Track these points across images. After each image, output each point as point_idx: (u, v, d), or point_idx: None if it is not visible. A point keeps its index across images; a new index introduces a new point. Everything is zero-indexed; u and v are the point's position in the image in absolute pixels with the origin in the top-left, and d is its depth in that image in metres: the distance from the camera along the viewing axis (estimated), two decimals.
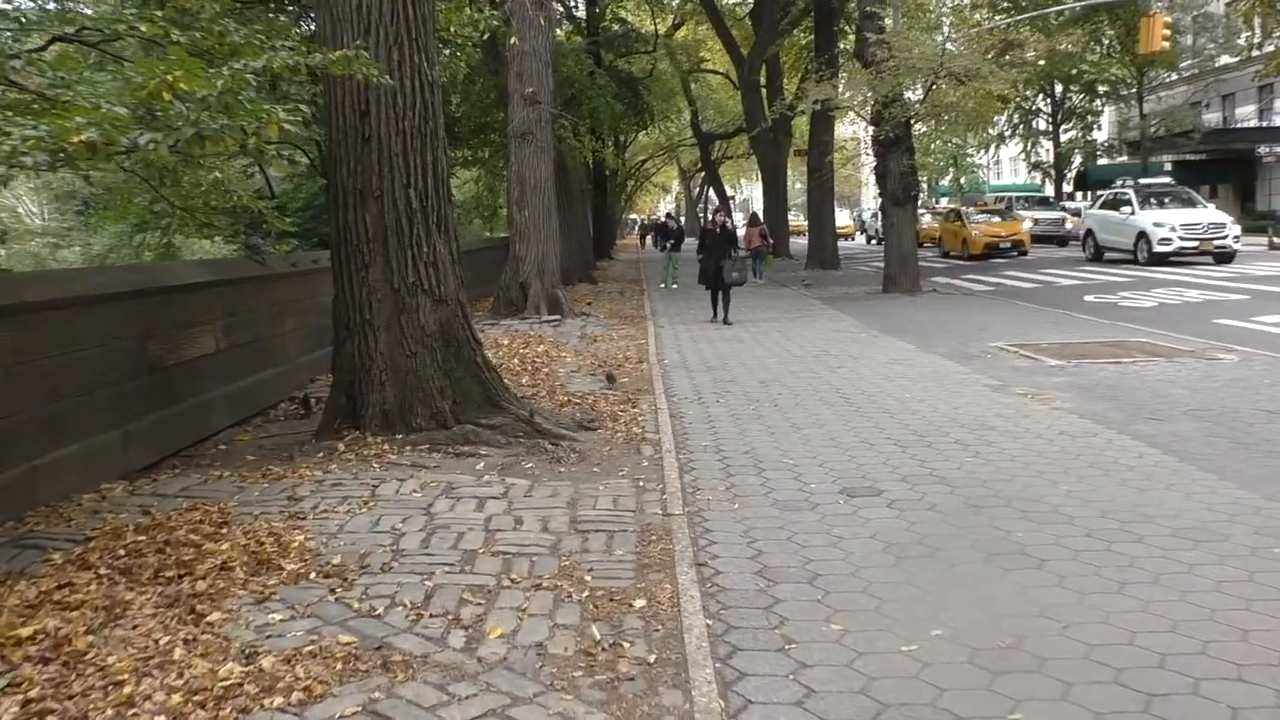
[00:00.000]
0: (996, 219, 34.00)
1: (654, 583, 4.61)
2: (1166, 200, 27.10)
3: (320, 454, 7.26)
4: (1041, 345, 12.32)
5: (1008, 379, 10.00)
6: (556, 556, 4.96)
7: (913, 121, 21.20)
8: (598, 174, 40.11)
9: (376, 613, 4.23)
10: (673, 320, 17.01)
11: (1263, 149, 43.59)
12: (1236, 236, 25.64)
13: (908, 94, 20.63)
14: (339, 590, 4.47)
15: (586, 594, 4.45)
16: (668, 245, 26.69)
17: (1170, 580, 4.52)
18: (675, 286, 24.75)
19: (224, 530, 5.21)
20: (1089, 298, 18.83)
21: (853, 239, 59.05)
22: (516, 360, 11.63)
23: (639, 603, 4.35)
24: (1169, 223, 25.38)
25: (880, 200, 21.68)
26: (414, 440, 7.46)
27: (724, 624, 4.14)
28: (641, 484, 6.32)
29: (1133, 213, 26.52)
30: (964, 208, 36.27)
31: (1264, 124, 45.43)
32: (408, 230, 7.56)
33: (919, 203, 21.40)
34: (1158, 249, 25.02)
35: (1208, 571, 4.60)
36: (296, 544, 5.02)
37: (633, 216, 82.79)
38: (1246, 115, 46.80)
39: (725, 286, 16.03)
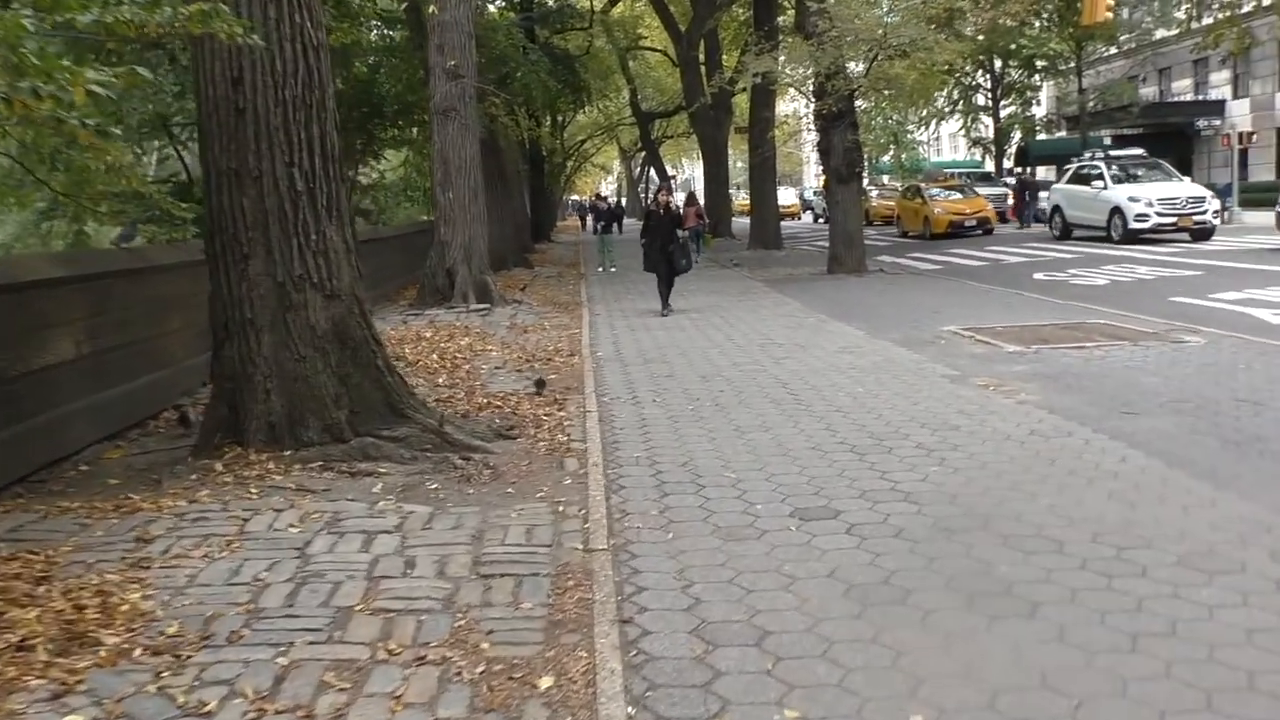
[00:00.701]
0: (957, 195, 32.30)
1: (566, 649, 3.73)
2: (1140, 173, 25.75)
3: (195, 475, 6.27)
4: (997, 329, 11.61)
5: (966, 368, 9.26)
6: (450, 614, 4.05)
7: (856, 95, 20.46)
8: (534, 154, 38.96)
9: (206, 708, 3.30)
10: (610, 307, 16.11)
11: (1200, 122, 43.70)
12: (1216, 211, 24.54)
13: (850, 66, 19.87)
14: (166, 674, 3.53)
15: (482, 669, 3.56)
16: (599, 226, 25.69)
17: (1190, 630, 3.74)
18: (614, 270, 23.85)
19: (41, 588, 4.24)
20: (1039, 275, 18.26)
21: (798, 218, 57.45)
22: (435, 356, 10.66)
23: (545, 682, 3.47)
24: (1145, 197, 23.74)
25: (823, 177, 20.92)
26: (304, 457, 6.50)
27: (650, 714, 3.27)
28: (561, 508, 5.43)
29: (1105, 187, 25.05)
30: (923, 184, 34.29)
31: (1200, 98, 45.55)
32: (292, 215, 6.58)
33: (864, 180, 20.69)
34: (1134, 225, 23.53)
35: (1233, 617, 3.83)
36: (127, 606, 4.06)
37: (574, 198, 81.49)
38: (1183, 89, 46.93)
39: (671, 273, 14.78)
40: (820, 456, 6.36)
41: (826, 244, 31.94)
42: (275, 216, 6.56)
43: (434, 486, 5.97)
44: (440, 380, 9.30)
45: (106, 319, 7.70)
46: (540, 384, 8.90)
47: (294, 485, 5.98)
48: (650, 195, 16.47)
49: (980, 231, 30.27)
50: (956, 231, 29.98)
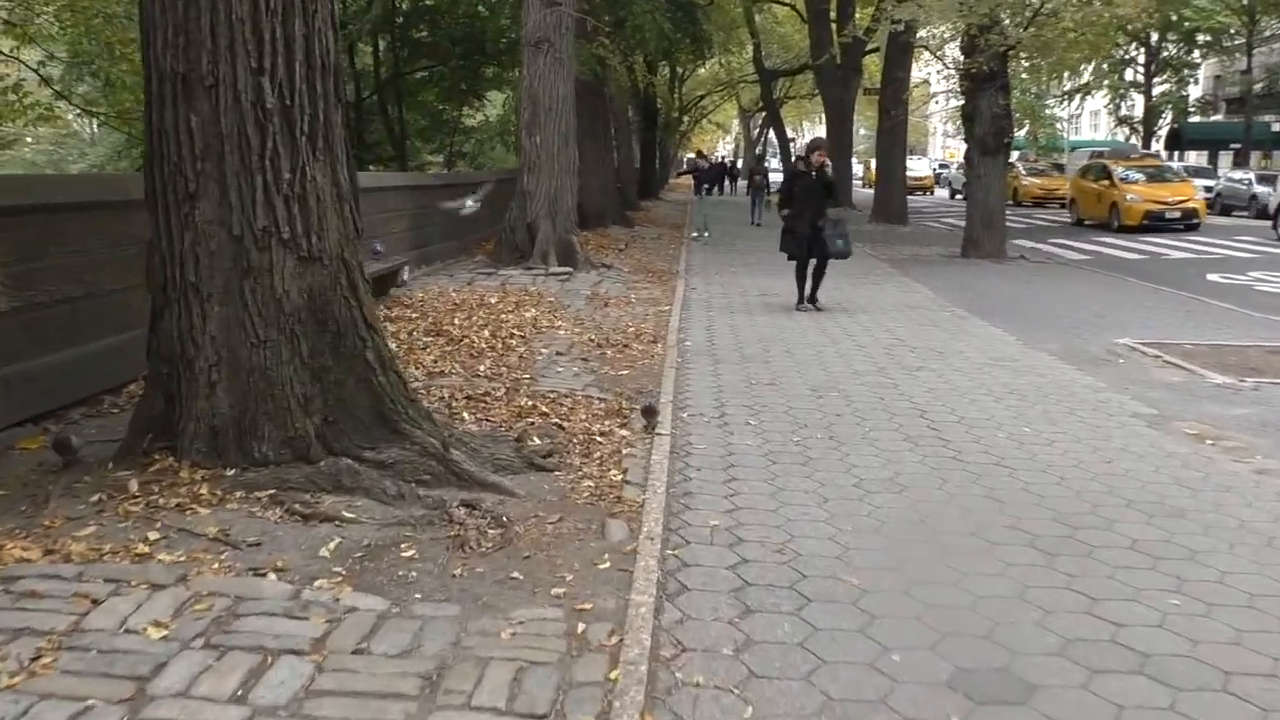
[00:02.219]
0: (1146, 178, 26.00)
1: None
2: None
3: (96, 498, 4.50)
4: (1187, 347, 9.22)
5: (1163, 406, 6.98)
6: None
7: (1011, 54, 17.83)
8: (647, 106, 36.87)
9: None
10: (709, 281, 14.03)
11: None
12: None
13: (1005, 19, 17.24)
14: None
15: None
16: (703, 189, 23.23)
17: None
18: (706, 236, 21.62)
19: None
20: (1213, 277, 15.55)
21: (931, 192, 50.48)
22: (488, 332, 8.77)
23: None
24: None
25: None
26: (252, 481, 4.67)
27: None
28: (581, 628, 3.45)
29: None
30: (1110, 162, 27.50)
31: None
32: (257, 143, 4.69)
33: (1010, 152, 18.11)
34: None
35: None
36: None
37: (689, 155, 78.82)
38: None
39: (823, 257, 11.38)
40: (986, 553, 4.26)
41: (955, 221, 29.49)
42: (234, 143, 4.68)
43: (409, 554, 4.05)
44: (481, 368, 7.40)
45: (45, 265, 5.96)
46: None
47: (214, 531, 4.14)
48: (803, 152, 10.33)
49: (1183, 226, 24.49)
50: (1154, 224, 24.20)
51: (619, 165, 32.12)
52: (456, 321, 9.04)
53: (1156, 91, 48.81)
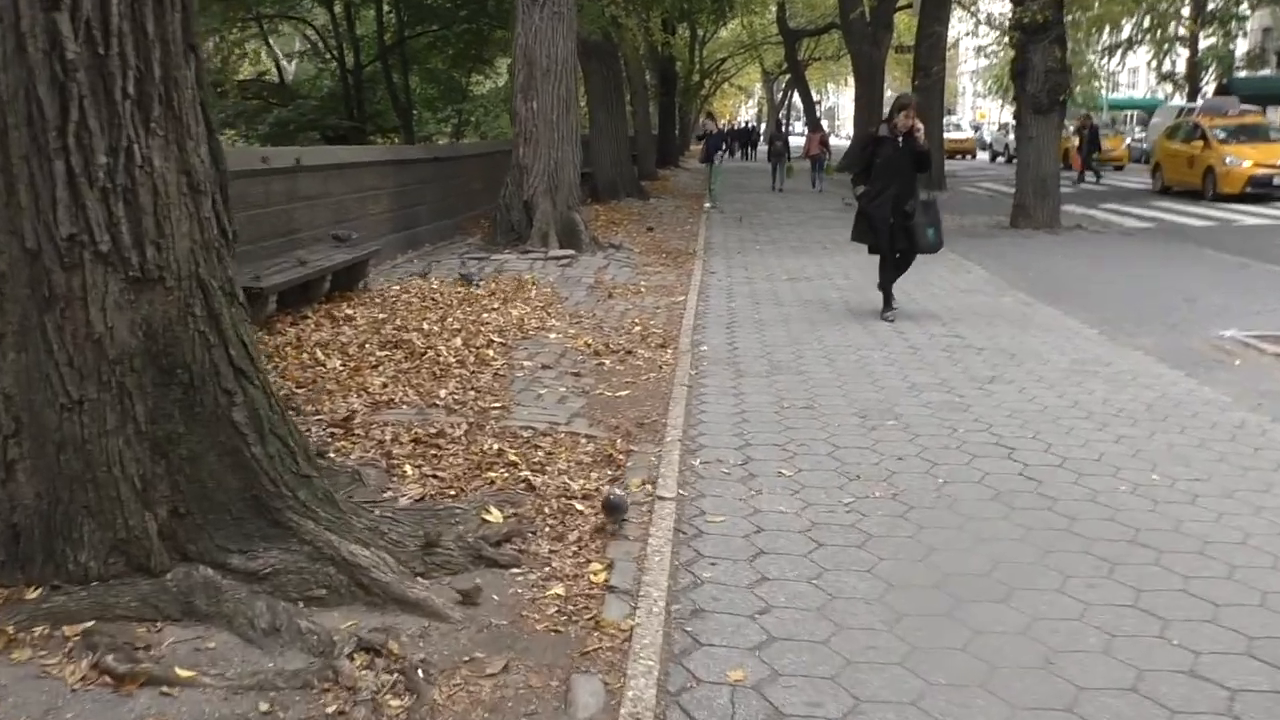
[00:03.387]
0: (1246, 138, 21.81)
1: None
2: None
3: None
4: None
5: None
6: None
7: (1067, 3, 16.05)
8: (664, 69, 35.07)
9: None
10: (731, 262, 12.44)
11: None
12: None
13: None
14: None
15: None
16: (713, 154, 21.53)
17: None
18: (710, 206, 20.03)
19: None
20: None
21: (973, 156, 45.92)
22: (460, 340, 7.23)
23: None
24: None
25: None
26: (60, 609, 3.21)
27: None
28: None
29: None
30: (1207, 121, 23.29)
31: None
32: (54, 111, 3.17)
33: (1065, 111, 16.34)
34: None
35: None
36: None
37: (723, 122, 76.29)
38: None
39: (910, 251, 8.76)
40: None
41: (994, 187, 27.68)
42: (20, 113, 3.17)
43: None
44: (443, 393, 5.88)
45: None
46: (615, 511, 4.05)
47: None
48: (890, 115, 8.04)
49: None
50: (1260, 191, 20.15)
51: (635, 132, 30.45)
52: (425, 325, 7.53)
53: (1202, 45, 46.43)
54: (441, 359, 6.56)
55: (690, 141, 53.53)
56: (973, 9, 34.38)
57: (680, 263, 12.15)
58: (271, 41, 25.45)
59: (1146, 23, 47.58)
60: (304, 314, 7.81)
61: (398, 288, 9.59)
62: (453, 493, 4.38)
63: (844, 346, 7.54)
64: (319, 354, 6.56)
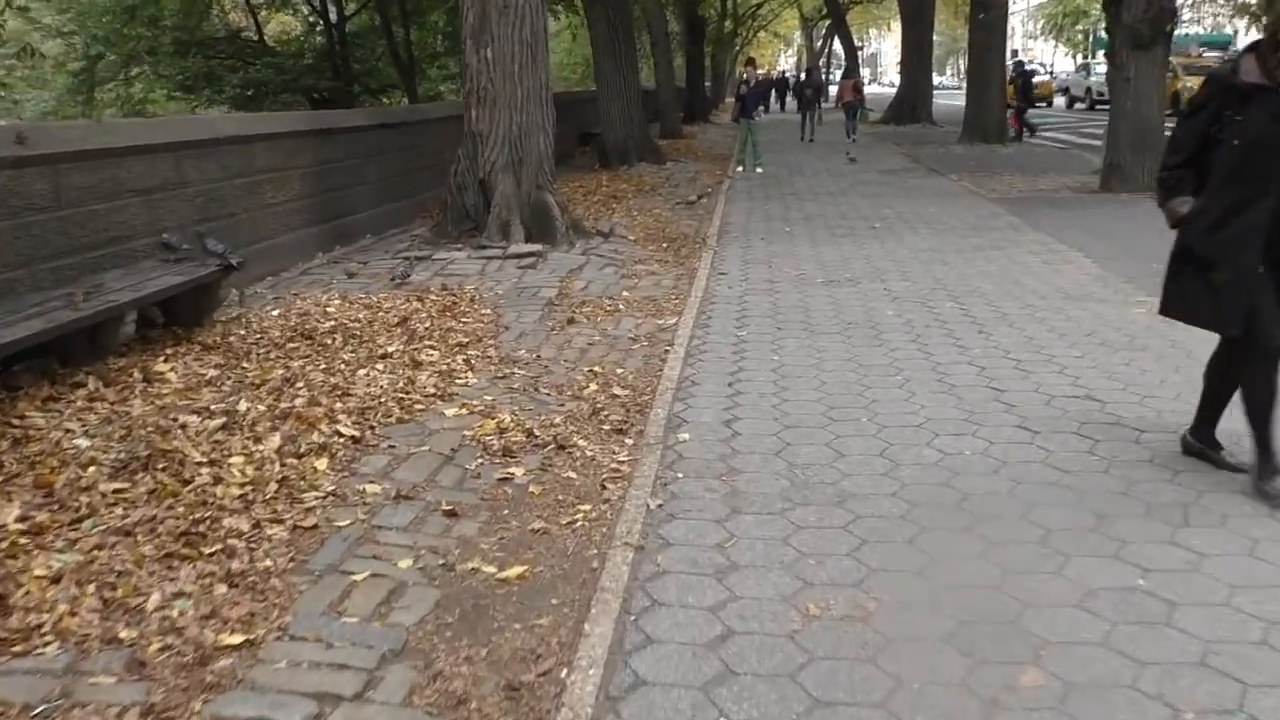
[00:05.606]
0: None
1: None
2: None
3: None
4: None
5: None
6: None
7: None
8: (690, 15, 31.85)
9: None
10: (749, 253, 9.53)
11: None
12: None
13: None
14: None
15: None
16: (753, 109, 18.31)
17: None
18: (759, 170, 17.10)
19: None
20: None
21: (1049, 103, 39.01)
22: (276, 438, 4.35)
23: None
24: None
25: (1113, 41, 13.43)
26: None
27: None
28: None
29: None
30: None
31: None
32: None
33: (1170, 45, 13.12)
34: None
35: None
36: None
37: (760, 71, 72.01)
38: None
39: None
40: None
41: (1063, 136, 24.30)
42: None
43: None
44: (150, 605, 3.09)
45: None
46: None
47: None
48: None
49: None
50: None
51: (658, 86, 27.39)
52: (245, 404, 4.71)
53: None
54: (213, 495, 3.77)
55: (727, 93, 49.85)
56: None
57: (684, 257, 9.27)
58: None
59: None
60: (78, 381, 5.06)
61: (278, 312, 6.84)
62: None
63: (918, 427, 4.67)
64: None
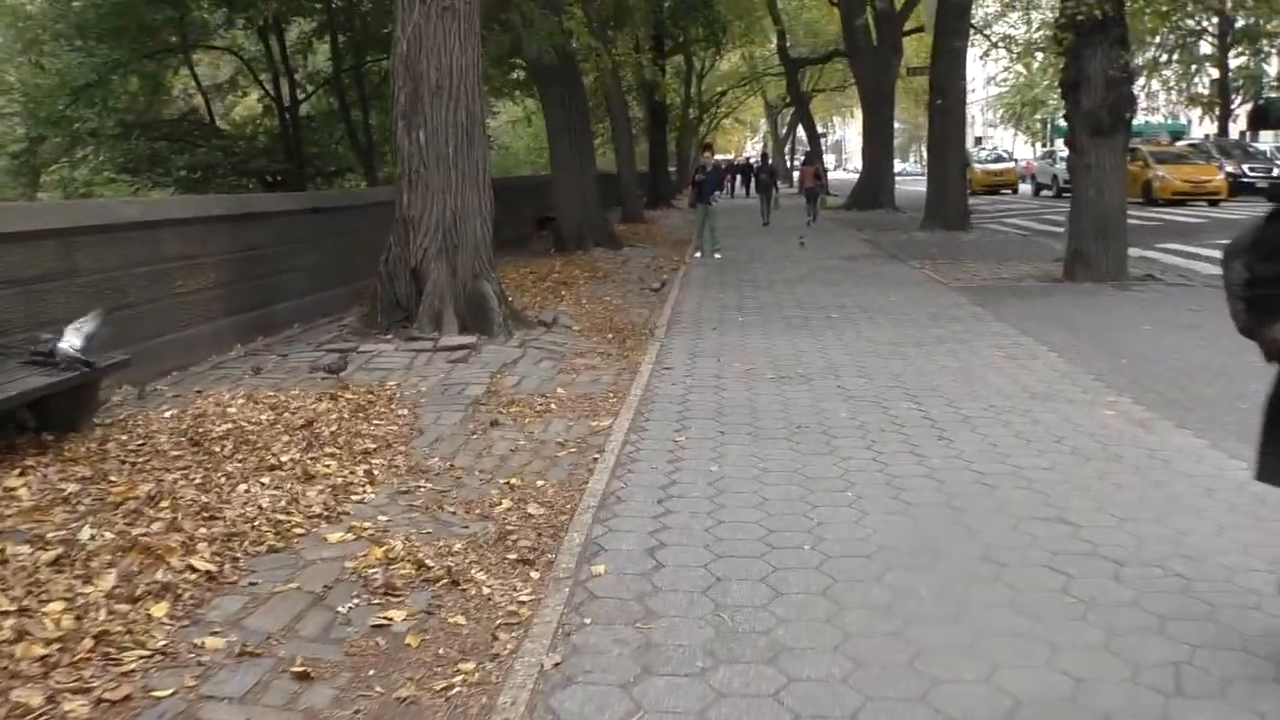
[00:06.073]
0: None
1: None
2: None
3: None
4: None
5: None
6: None
7: None
8: (652, 101, 31.85)
9: None
10: (699, 344, 9.00)
11: None
12: None
13: None
14: None
15: None
16: (709, 195, 17.63)
17: None
18: (718, 256, 16.73)
19: None
20: None
21: (1014, 189, 39.39)
22: (107, 581, 3.72)
23: None
24: None
25: (1070, 127, 13.19)
26: None
27: None
28: None
29: None
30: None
31: None
32: None
33: (1130, 132, 12.88)
34: None
35: None
36: None
37: (718, 157, 72.35)
38: None
39: None
40: None
41: (1025, 224, 24.13)
42: None
43: None
44: None
45: None
46: None
47: None
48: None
49: None
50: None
51: (619, 170, 27.17)
52: (89, 532, 4.07)
53: (1235, 64, 43.23)
54: (8, 656, 3.10)
55: (690, 179, 49.75)
56: (986, 32, 31.21)
57: (628, 349, 8.73)
58: (196, 73, 22.23)
59: (1170, 40, 44.36)
60: None
61: (171, 413, 6.18)
62: None
63: (869, 559, 4.08)
64: None
